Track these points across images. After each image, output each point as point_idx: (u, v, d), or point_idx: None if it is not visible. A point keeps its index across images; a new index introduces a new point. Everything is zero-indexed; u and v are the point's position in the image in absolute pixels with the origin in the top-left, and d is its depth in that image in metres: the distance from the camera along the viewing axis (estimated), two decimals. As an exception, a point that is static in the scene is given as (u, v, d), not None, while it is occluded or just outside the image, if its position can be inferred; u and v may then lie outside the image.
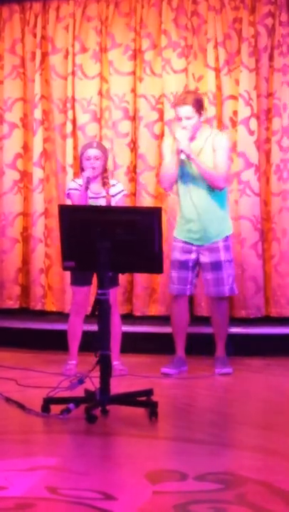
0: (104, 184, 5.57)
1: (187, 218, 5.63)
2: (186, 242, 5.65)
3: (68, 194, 5.62)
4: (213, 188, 5.57)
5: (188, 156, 5.45)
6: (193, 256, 5.65)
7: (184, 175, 5.57)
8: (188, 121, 5.50)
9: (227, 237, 5.69)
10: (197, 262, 5.68)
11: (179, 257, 5.66)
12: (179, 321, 5.75)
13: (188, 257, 5.65)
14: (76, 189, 5.54)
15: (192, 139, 5.54)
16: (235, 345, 5.99)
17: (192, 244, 5.64)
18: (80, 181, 5.55)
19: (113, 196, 5.56)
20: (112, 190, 5.57)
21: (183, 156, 5.45)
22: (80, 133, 6.61)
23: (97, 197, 5.55)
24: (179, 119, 5.54)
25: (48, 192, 6.71)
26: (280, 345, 6.25)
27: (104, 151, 5.61)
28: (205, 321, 6.16)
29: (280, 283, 6.49)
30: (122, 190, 5.64)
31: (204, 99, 5.82)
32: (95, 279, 5.44)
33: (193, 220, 5.61)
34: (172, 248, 5.75)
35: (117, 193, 5.58)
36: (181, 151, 5.43)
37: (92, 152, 5.51)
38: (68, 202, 5.67)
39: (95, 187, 5.55)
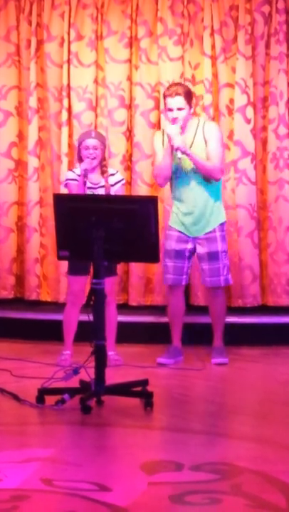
0: (103, 173, 5.53)
1: (183, 210, 5.60)
2: (181, 232, 5.63)
3: (66, 184, 5.57)
4: (210, 180, 5.56)
5: (184, 153, 5.43)
6: (189, 246, 5.62)
7: (178, 167, 5.53)
8: (180, 112, 5.50)
9: (222, 225, 5.66)
10: (193, 252, 5.65)
11: (175, 246, 5.63)
12: (175, 310, 5.72)
13: (184, 246, 5.62)
14: (74, 179, 5.50)
15: (182, 130, 5.50)
16: (232, 335, 5.95)
17: (188, 235, 5.61)
18: (78, 171, 5.50)
19: (112, 185, 5.52)
20: (111, 180, 5.53)
21: (180, 155, 5.43)
22: (76, 121, 6.57)
23: (96, 187, 5.51)
24: (169, 109, 5.52)
25: (43, 181, 6.67)
26: (277, 335, 6.24)
27: (102, 140, 5.57)
28: (201, 310, 6.14)
29: (277, 272, 6.47)
30: (122, 180, 5.61)
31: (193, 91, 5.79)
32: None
33: (189, 212, 5.58)
34: (166, 237, 5.71)
35: (116, 182, 5.54)
36: (177, 148, 5.41)
37: (91, 142, 5.47)
38: (65, 192, 5.62)
39: (94, 176, 5.51)
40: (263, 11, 6.44)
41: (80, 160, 5.51)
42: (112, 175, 5.55)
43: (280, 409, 4.65)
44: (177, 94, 5.47)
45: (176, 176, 5.58)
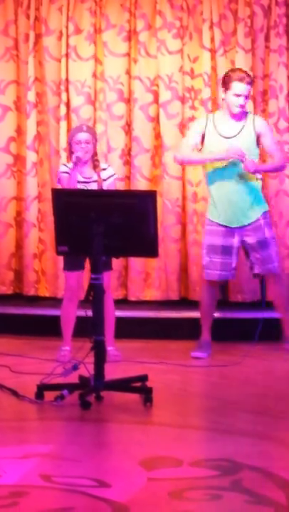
0: (95, 167, 5.52)
1: (223, 200, 5.56)
2: (226, 226, 5.59)
3: (59, 178, 5.55)
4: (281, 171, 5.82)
5: (254, 172, 5.50)
6: (236, 239, 5.60)
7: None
8: (244, 99, 5.53)
9: (266, 213, 5.65)
10: (240, 245, 5.62)
11: (222, 242, 5.59)
12: (210, 305, 5.70)
13: (231, 241, 5.59)
14: (66, 172, 5.49)
15: (236, 118, 5.56)
16: (230, 330, 5.94)
17: (233, 228, 5.58)
18: (71, 165, 5.49)
19: (104, 180, 5.50)
20: (104, 174, 5.52)
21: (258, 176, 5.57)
22: (74, 115, 6.54)
23: (89, 181, 5.49)
24: (237, 95, 5.50)
25: (41, 176, 6.64)
26: (276, 330, 6.21)
27: (94, 134, 5.57)
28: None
29: (277, 267, 6.44)
30: (114, 174, 5.60)
31: None
32: (87, 264, 5.40)
33: (232, 200, 5.54)
34: (208, 232, 5.66)
35: (108, 176, 5.53)
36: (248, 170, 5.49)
37: (83, 136, 5.46)
38: (59, 186, 5.59)
39: (86, 171, 5.49)
40: (262, 4, 6.41)
41: (72, 155, 5.49)
42: (104, 169, 5.53)
43: (280, 405, 4.63)
44: (248, 82, 5.49)
45: (227, 164, 5.55)
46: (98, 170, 5.51)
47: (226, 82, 5.54)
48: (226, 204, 5.56)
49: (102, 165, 5.59)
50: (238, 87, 5.48)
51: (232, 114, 5.57)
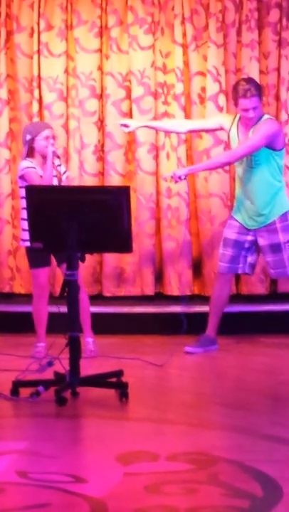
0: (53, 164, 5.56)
1: (245, 204, 5.59)
2: (242, 224, 5.63)
3: (25, 174, 5.50)
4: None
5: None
6: (250, 238, 5.62)
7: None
8: (253, 112, 5.49)
9: (285, 215, 5.60)
10: (255, 243, 5.63)
11: (236, 237, 5.62)
12: (216, 298, 5.70)
13: (244, 238, 5.62)
14: (33, 167, 5.48)
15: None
16: (205, 324, 5.94)
17: (249, 229, 5.61)
18: (35, 162, 5.48)
19: (61, 175, 5.55)
20: (60, 170, 5.56)
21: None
22: (47, 112, 6.51)
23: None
24: (243, 110, 5.49)
25: (14, 173, 6.57)
26: (250, 323, 6.24)
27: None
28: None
29: (251, 261, 6.46)
30: (66, 171, 5.68)
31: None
32: (53, 260, 5.44)
33: (251, 205, 5.56)
34: (226, 225, 5.73)
35: (63, 173, 5.58)
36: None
37: (50, 133, 5.53)
38: (21, 183, 5.55)
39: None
40: (233, -2, 6.42)
41: (32, 153, 5.48)
42: (59, 165, 5.56)
43: (254, 399, 4.65)
44: (253, 95, 5.41)
45: (240, 164, 5.58)
46: (55, 165, 5.53)
47: (234, 98, 5.55)
48: (243, 207, 5.61)
49: (56, 161, 5.57)
50: (244, 103, 5.46)
51: (245, 124, 5.55)
